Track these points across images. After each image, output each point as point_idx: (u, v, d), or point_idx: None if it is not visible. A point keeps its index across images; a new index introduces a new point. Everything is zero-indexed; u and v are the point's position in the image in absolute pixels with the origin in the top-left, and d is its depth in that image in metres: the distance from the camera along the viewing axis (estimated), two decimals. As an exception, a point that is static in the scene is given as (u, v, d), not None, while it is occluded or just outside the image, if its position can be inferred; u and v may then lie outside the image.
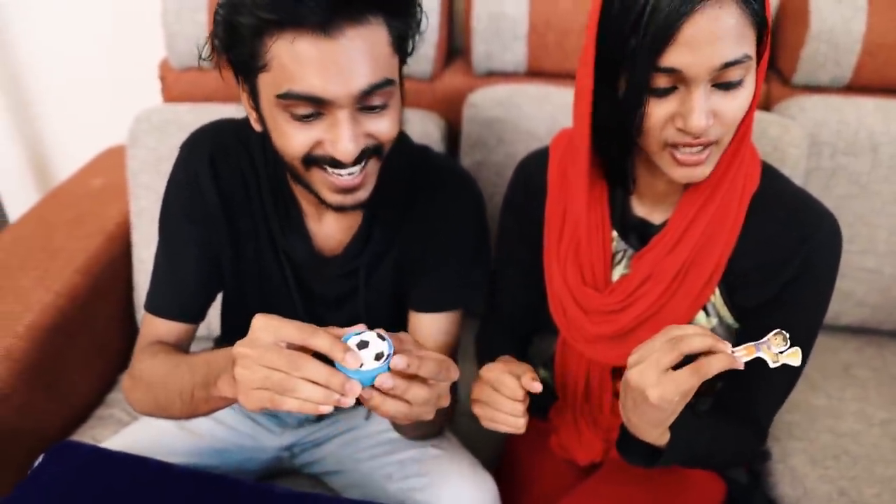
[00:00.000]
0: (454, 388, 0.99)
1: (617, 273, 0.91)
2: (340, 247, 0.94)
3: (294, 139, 0.76)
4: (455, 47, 1.48)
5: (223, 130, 0.95)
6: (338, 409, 1.08)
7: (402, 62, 0.81)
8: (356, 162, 0.77)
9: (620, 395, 0.76)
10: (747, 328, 0.89)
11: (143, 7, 1.46)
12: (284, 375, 0.64)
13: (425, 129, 1.27)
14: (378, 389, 0.66)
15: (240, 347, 0.67)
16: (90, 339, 1.26)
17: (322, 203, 0.83)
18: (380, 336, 0.68)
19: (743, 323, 0.89)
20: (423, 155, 0.99)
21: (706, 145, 0.75)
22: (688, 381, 0.68)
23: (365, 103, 0.75)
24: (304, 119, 0.75)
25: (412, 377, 0.67)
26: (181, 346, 0.95)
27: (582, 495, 0.98)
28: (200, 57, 0.79)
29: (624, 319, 0.89)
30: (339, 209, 0.83)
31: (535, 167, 0.98)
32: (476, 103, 1.30)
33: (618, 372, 0.97)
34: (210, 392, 0.76)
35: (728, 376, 0.88)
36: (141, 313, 1.35)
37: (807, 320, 0.86)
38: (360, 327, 0.68)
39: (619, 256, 0.91)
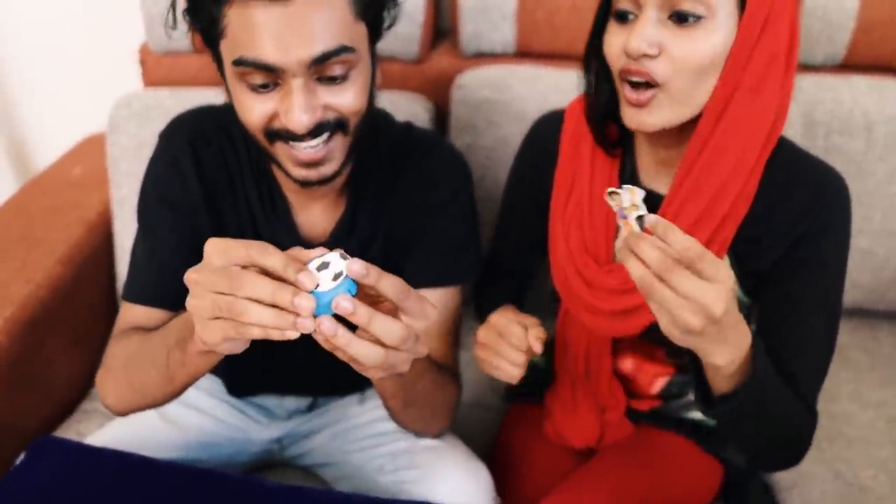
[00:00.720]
0: (457, 376, 0.97)
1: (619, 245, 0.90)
2: (326, 234, 0.92)
3: (251, 111, 0.75)
4: (442, 28, 1.45)
5: (202, 118, 0.92)
6: (329, 397, 1.09)
7: (374, 33, 0.79)
8: (314, 135, 0.75)
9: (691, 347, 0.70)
10: (766, 300, 0.87)
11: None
12: (232, 298, 0.57)
13: (413, 111, 1.25)
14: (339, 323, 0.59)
15: (190, 273, 0.61)
16: (72, 331, 1.24)
17: (289, 177, 0.81)
18: (342, 256, 0.60)
19: (758, 296, 0.87)
20: (405, 131, 0.96)
21: (649, 82, 0.75)
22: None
23: (322, 73, 0.73)
24: (259, 89, 0.73)
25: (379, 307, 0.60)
26: None
27: (579, 480, 0.97)
28: (167, 24, 0.78)
29: (629, 301, 0.87)
30: (305, 184, 0.80)
31: (548, 130, 0.97)
32: (465, 85, 1.27)
33: (618, 345, 0.98)
34: (186, 351, 0.69)
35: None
36: (124, 304, 1.34)
37: (825, 281, 0.84)
38: (321, 250, 0.61)
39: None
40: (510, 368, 0.84)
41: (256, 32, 0.70)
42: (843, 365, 1.30)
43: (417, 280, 0.93)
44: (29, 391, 1.13)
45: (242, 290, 0.57)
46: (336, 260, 0.59)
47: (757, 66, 0.75)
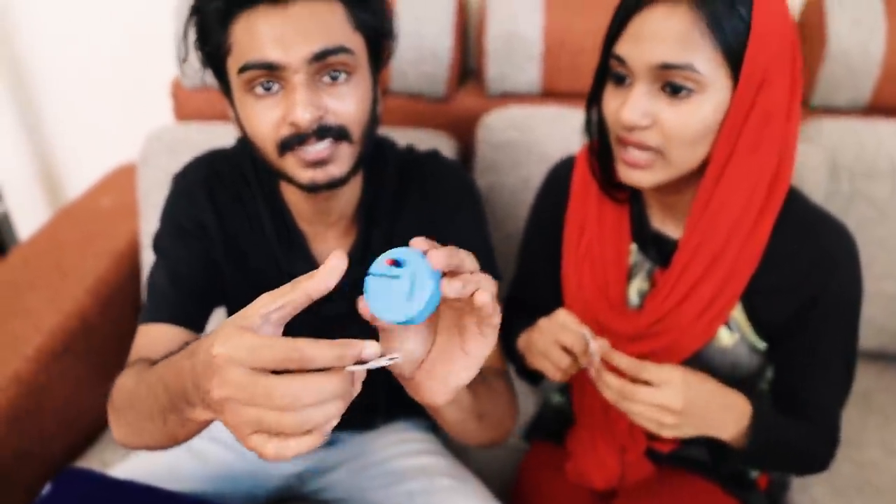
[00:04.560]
0: (506, 374, 0.92)
1: (633, 287, 0.91)
2: None
3: (260, 119, 0.78)
4: (468, 66, 1.47)
5: (216, 159, 0.96)
6: (348, 432, 1.09)
7: (374, 55, 0.83)
8: (319, 136, 0.78)
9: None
10: (776, 351, 0.89)
11: (155, 26, 1.46)
12: (278, 414, 0.47)
13: (438, 149, 1.26)
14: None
15: (217, 390, 0.49)
16: (97, 360, 1.25)
17: (299, 187, 0.83)
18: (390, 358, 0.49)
19: (771, 344, 0.89)
20: (408, 153, 1.00)
21: (644, 149, 0.77)
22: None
23: (322, 72, 0.77)
24: (264, 93, 0.77)
25: None
26: None
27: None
28: (179, 57, 0.84)
29: (643, 347, 0.88)
30: (313, 189, 0.82)
31: (563, 173, 1.00)
32: (490, 125, 1.29)
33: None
34: (185, 417, 0.59)
35: (779, 379, 0.91)
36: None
37: (840, 333, 0.87)
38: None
39: (636, 270, 0.91)
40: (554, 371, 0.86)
41: (260, 37, 0.75)
42: (869, 410, 1.28)
43: None
44: (54, 419, 1.15)
45: (301, 400, 0.47)
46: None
47: (754, 126, 0.76)
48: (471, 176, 0.99)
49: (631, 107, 0.75)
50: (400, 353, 0.51)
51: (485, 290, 0.52)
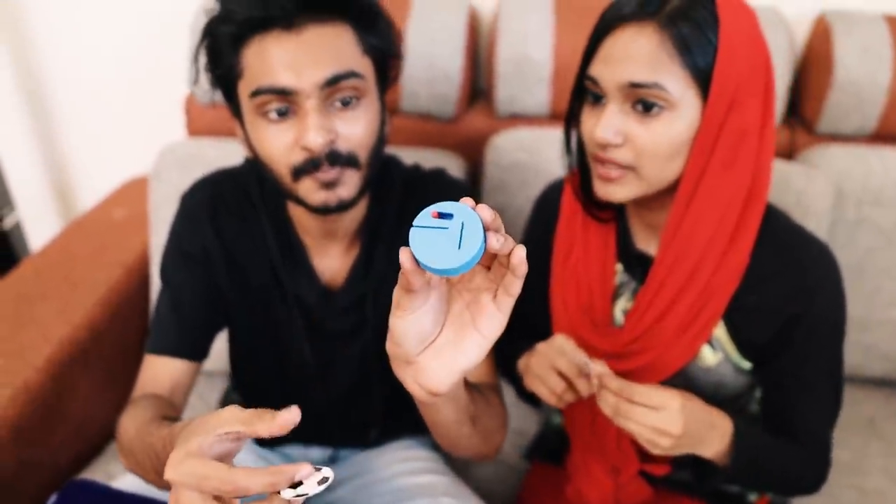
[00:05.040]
0: (499, 393, 0.94)
1: (618, 307, 0.92)
2: (343, 278, 0.95)
3: (272, 143, 0.79)
4: (478, 88, 1.48)
5: (221, 179, 0.98)
6: (349, 449, 1.09)
7: (381, 77, 0.85)
8: (330, 161, 0.79)
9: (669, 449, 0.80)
10: (761, 372, 0.89)
11: (170, 41, 1.48)
12: None
13: (447, 169, 1.27)
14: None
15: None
16: (105, 371, 1.26)
17: (309, 209, 0.84)
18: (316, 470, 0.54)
19: (757, 365, 0.89)
20: (414, 171, 1.01)
21: (615, 165, 0.79)
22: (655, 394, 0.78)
23: (334, 97, 0.79)
24: (277, 118, 0.78)
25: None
26: (177, 392, 0.93)
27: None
28: (191, 80, 0.85)
29: (625, 365, 0.89)
30: (325, 211, 0.83)
31: (554, 194, 1.01)
32: (498, 146, 1.30)
33: None
34: None
35: (766, 400, 0.91)
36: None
37: (825, 356, 0.87)
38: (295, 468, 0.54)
39: (622, 289, 0.92)
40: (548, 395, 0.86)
41: (272, 62, 0.76)
42: (874, 437, 1.28)
43: None
44: (62, 430, 1.15)
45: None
46: (310, 482, 0.53)
47: (726, 144, 0.78)
48: (477, 194, 1.00)
49: (603, 125, 0.77)
50: (332, 472, 0.54)
51: (521, 249, 0.53)
